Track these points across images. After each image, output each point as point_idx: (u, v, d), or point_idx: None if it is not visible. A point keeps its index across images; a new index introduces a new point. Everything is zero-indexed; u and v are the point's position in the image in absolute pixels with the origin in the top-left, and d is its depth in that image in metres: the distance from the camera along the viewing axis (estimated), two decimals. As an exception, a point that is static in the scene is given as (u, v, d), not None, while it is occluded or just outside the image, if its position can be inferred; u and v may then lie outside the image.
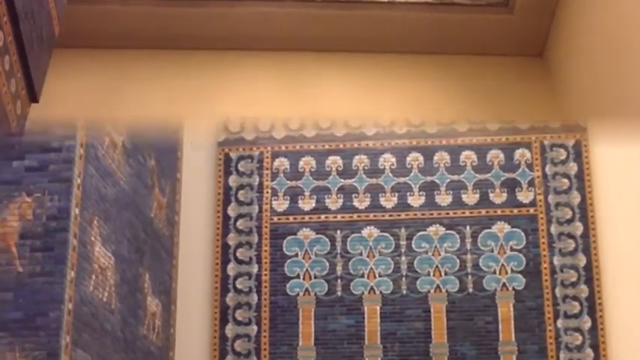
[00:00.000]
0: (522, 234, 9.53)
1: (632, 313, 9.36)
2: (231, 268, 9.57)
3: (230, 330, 9.42)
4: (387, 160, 9.76)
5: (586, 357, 9.26)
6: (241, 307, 9.49)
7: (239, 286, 9.54)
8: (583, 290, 9.41)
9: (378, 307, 9.44)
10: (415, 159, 9.76)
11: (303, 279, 9.53)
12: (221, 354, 9.36)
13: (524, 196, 9.63)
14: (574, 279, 9.44)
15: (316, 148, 9.79)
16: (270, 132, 9.83)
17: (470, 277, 9.48)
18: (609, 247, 9.51)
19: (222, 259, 9.58)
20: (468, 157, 9.74)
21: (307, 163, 9.79)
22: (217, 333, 9.43)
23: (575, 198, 9.60)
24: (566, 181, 9.62)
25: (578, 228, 9.53)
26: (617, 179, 9.59)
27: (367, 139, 9.80)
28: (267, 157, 9.77)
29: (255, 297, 9.50)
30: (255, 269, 9.56)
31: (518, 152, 9.74)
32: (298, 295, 9.50)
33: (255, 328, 9.43)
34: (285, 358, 9.36)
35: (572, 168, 9.65)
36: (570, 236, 9.51)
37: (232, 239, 9.62)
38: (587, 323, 9.33)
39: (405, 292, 9.47)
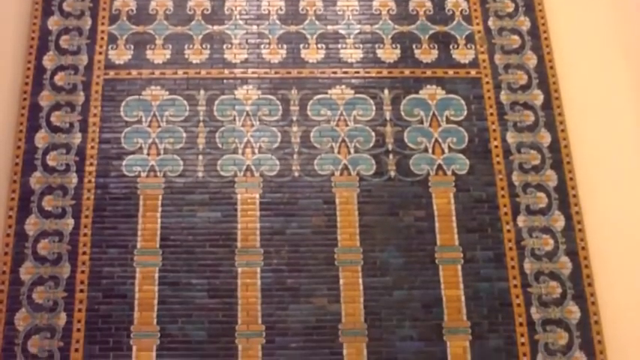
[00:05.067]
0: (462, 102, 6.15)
1: (616, 204, 5.92)
2: (42, 138, 5.90)
3: (33, 225, 5.66)
4: (273, 4, 6.36)
5: (561, 268, 5.71)
6: (53, 191, 5.76)
7: (51, 163, 5.82)
8: (550, 177, 5.98)
9: (258, 195, 5.80)
10: (311, 3, 6.39)
11: (148, 154, 5.89)
12: (17, 257, 5.57)
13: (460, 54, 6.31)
14: (536, 162, 6.02)
15: (174, -13, 6.34)
16: (110, -37, 6.36)
17: (391, 156, 5.98)
18: (579, 120, 6.17)
19: (28, 125, 5.92)
20: (384, 4, 6.42)
21: (162, 4, 6.32)
22: (13, 229, 5.65)
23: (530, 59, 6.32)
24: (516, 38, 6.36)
25: (537, 97, 6.20)
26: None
27: (245, -24, 6.42)
28: (104, -5, 6.27)
29: (74, 179, 5.78)
30: (76, 140, 5.90)
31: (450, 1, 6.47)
32: (139, 176, 5.82)
33: (70, 222, 5.69)
34: (115, 264, 5.59)
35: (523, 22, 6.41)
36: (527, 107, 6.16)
37: (46, 99, 6.00)
38: (559, 222, 5.85)
39: (297, 174, 5.88)
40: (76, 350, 5.31)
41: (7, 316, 5.36)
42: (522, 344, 5.44)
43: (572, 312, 5.53)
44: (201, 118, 5.93)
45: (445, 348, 5.41)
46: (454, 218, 5.77)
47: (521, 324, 5.49)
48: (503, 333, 5.46)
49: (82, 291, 5.44)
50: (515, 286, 5.59)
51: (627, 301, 5.61)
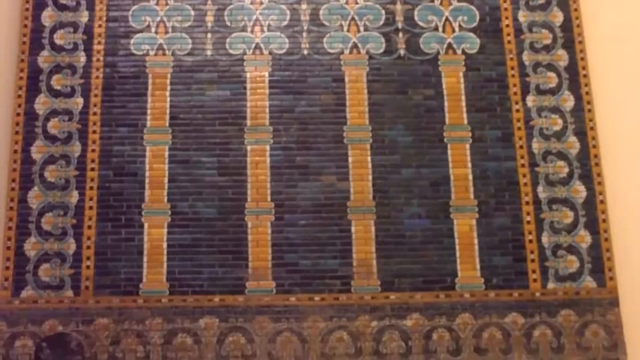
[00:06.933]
0: (473, -21, 5.83)
1: (627, 83, 5.68)
2: (48, 17, 5.65)
3: (42, 104, 5.48)
4: None
5: (569, 148, 5.52)
6: (61, 70, 5.55)
7: (59, 42, 5.58)
8: (561, 57, 5.71)
9: (267, 73, 5.57)
10: None
11: (156, 32, 5.64)
12: (28, 136, 5.42)
13: None
14: (547, 41, 5.74)
15: None
16: None
17: (401, 34, 5.71)
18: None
19: (34, 3, 5.67)
20: None
21: None
22: (22, 108, 5.48)
23: None
24: None
25: (549, -27, 5.86)
26: None
27: None
28: None
29: (82, 57, 5.57)
30: (83, 18, 5.64)
31: None
32: (147, 54, 5.59)
33: (79, 101, 5.50)
34: (125, 143, 5.43)
35: None
36: (540, -16, 5.83)
37: (50, -25, 5.72)
38: (568, 101, 5.62)
39: (306, 52, 5.64)
40: (89, 227, 5.21)
41: (20, 194, 5.24)
42: (528, 222, 5.32)
43: (579, 191, 5.38)
44: (209, -4, 5.64)
45: (452, 226, 5.29)
46: (463, 97, 5.55)
47: (527, 203, 5.36)
48: (509, 211, 5.33)
49: (92, 169, 5.30)
50: (523, 165, 5.42)
51: (633, 181, 5.45)
